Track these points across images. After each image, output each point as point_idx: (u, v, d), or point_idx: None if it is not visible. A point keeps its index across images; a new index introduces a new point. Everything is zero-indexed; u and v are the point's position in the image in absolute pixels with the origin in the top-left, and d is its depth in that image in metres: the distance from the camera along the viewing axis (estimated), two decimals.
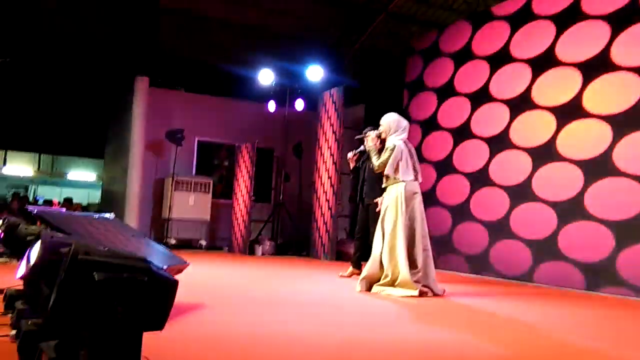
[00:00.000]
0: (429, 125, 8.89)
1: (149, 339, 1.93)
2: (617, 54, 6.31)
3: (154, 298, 1.24)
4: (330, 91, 9.91)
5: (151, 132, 11.16)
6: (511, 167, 7.40)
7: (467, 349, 2.96)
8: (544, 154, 6.95)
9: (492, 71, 7.90)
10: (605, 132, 6.29)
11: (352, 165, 6.65)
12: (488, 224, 7.63)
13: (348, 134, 9.56)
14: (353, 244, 9.01)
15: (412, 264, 5.07)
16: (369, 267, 5.27)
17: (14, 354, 1.98)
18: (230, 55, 11.26)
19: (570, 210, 6.54)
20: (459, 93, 8.43)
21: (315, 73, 10.37)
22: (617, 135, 6.17)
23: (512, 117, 7.47)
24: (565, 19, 6.93)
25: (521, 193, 7.18)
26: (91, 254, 1.20)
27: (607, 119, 6.30)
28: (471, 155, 8.07)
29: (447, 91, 8.65)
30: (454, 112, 8.49)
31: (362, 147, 6.14)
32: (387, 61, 10.80)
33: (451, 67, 8.64)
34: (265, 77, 10.83)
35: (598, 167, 6.31)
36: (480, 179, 7.84)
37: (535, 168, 7.06)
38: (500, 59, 7.79)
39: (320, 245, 9.61)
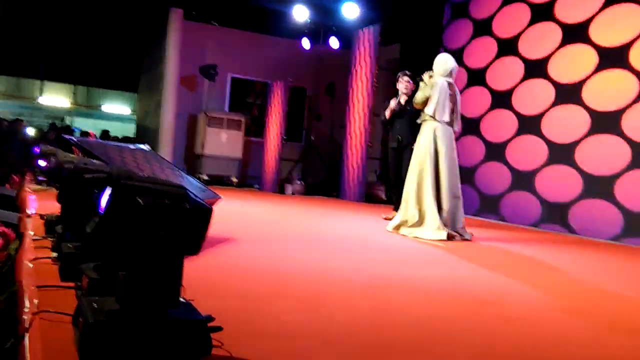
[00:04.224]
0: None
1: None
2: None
3: (192, 224, 1.27)
4: (365, 29, 9.68)
5: (184, 67, 11.14)
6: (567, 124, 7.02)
7: (495, 286, 2.98)
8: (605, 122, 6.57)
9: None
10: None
11: (388, 115, 6.53)
12: (517, 172, 7.51)
13: (382, 74, 9.40)
14: (383, 186, 9.01)
15: (439, 206, 5.08)
16: (401, 209, 5.32)
17: (56, 275, 2.07)
18: None
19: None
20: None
21: (350, 10, 10.11)
22: None
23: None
24: None
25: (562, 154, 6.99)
26: (133, 180, 1.22)
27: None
28: (535, 97, 7.54)
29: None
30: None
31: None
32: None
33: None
34: (300, 13, 10.61)
35: None
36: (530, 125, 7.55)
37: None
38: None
39: (350, 186, 9.65)
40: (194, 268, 2.60)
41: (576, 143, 6.80)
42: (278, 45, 11.96)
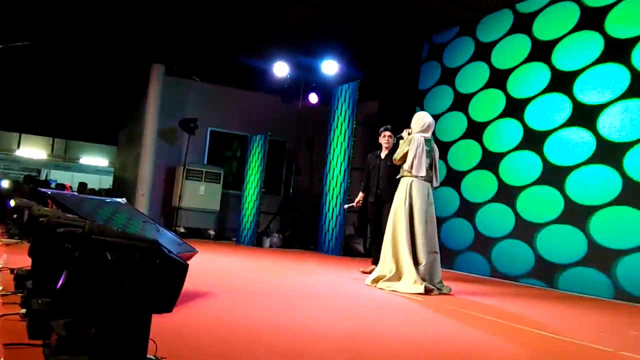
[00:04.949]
0: None
1: (157, 321, 1.95)
2: None
3: (164, 280, 1.25)
4: (345, 86, 9.89)
5: (164, 120, 11.22)
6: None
7: (473, 345, 2.95)
8: None
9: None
10: None
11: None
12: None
13: (360, 129, 9.55)
14: (361, 239, 9.05)
15: (415, 260, 5.08)
16: (380, 263, 5.31)
17: (24, 332, 2.00)
18: (246, 47, 11.28)
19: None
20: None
21: (330, 67, 10.37)
22: None
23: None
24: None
25: None
26: (105, 234, 1.21)
27: None
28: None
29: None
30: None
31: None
32: (403, 57, 10.75)
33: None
34: (280, 69, 10.84)
35: None
36: None
37: None
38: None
39: (328, 239, 9.62)
40: (167, 323, 2.55)
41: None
42: (258, 100, 12.14)
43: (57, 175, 22.34)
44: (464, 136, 8.41)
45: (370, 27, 10.76)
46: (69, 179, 20.83)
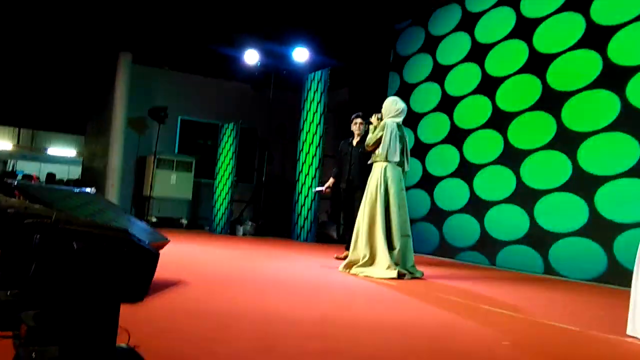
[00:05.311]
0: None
1: (127, 310, 1.94)
2: None
3: (134, 269, 1.25)
4: (315, 73, 9.88)
5: (134, 109, 11.06)
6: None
7: (443, 327, 3.02)
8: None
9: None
10: None
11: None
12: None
13: (331, 116, 9.56)
14: (335, 226, 9.10)
15: (389, 245, 5.14)
16: (351, 249, 5.36)
17: None
18: (216, 34, 11.13)
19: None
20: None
21: (300, 55, 10.33)
22: None
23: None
24: None
25: None
26: (72, 224, 1.20)
27: None
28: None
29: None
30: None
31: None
32: (374, 44, 10.76)
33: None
34: (251, 57, 10.76)
35: None
36: None
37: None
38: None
39: (301, 226, 9.65)
40: (140, 312, 2.55)
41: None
42: (228, 87, 12.05)
43: (25, 166, 21.87)
44: (436, 109, 8.56)
45: (341, 14, 10.72)
46: (36, 169, 20.41)
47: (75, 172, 18.37)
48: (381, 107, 5.59)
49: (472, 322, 3.28)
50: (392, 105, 5.49)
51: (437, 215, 8.22)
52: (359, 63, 10.98)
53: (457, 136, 8.09)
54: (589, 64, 6.43)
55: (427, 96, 8.73)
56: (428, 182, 8.47)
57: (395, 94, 8.47)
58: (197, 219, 11.77)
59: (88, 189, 3.78)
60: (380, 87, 9.53)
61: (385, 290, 4.37)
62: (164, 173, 10.83)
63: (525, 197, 6.91)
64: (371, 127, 5.53)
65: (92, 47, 11.87)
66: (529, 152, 6.94)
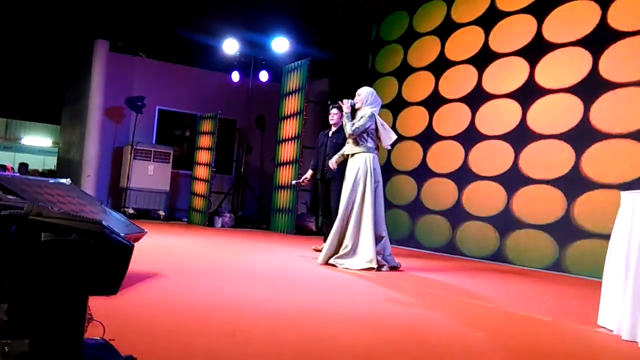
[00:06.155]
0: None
1: (103, 304, 1.93)
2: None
3: (107, 262, 1.23)
4: (295, 63, 9.84)
5: (110, 99, 10.91)
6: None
7: (420, 314, 3.05)
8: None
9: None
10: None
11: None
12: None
13: (312, 107, 9.55)
14: (313, 218, 9.10)
15: (377, 236, 5.15)
16: (330, 240, 5.29)
17: None
18: (195, 23, 11.02)
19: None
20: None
21: (280, 45, 10.28)
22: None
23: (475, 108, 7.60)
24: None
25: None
26: (43, 216, 1.18)
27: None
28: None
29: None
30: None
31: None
32: (354, 35, 10.76)
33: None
34: (230, 46, 10.67)
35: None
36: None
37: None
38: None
39: (280, 218, 9.64)
40: (116, 305, 2.53)
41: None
42: (207, 78, 11.94)
43: None
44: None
45: (321, 3, 10.70)
46: (10, 159, 20.01)
47: (51, 162, 18.08)
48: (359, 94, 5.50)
49: (446, 314, 3.32)
50: (371, 96, 5.47)
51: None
52: (339, 53, 10.96)
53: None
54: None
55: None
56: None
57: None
58: (175, 211, 11.69)
59: (63, 180, 3.73)
60: (360, 76, 9.52)
61: (362, 282, 4.39)
62: (142, 164, 10.71)
63: None
64: (361, 115, 5.37)
65: (68, 34, 11.67)
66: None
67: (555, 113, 6.60)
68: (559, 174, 6.42)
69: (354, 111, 5.52)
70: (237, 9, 10.87)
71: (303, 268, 5.07)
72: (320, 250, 5.89)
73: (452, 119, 7.92)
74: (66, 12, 10.88)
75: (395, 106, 8.89)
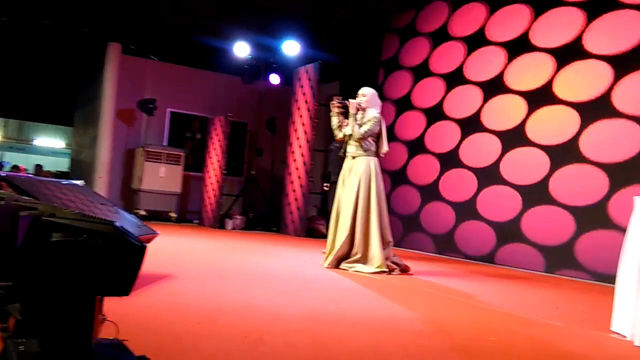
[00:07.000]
0: (403, 104, 8.96)
1: (117, 304, 1.94)
2: (590, 42, 6.42)
3: (119, 263, 1.24)
4: (306, 67, 9.85)
5: (122, 101, 10.97)
6: (481, 149, 7.52)
7: (432, 318, 3.04)
8: (514, 138, 7.08)
9: (468, 53, 7.96)
10: (573, 118, 6.42)
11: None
12: (455, 205, 7.75)
13: (322, 110, 9.55)
14: (324, 220, 9.07)
15: (384, 239, 5.14)
16: (339, 243, 5.20)
17: None
18: (206, 26, 11.07)
19: (535, 194, 6.69)
20: (433, 73, 8.49)
21: (291, 48, 10.30)
22: (585, 122, 6.31)
23: (485, 100, 7.58)
24: (542, 4, 7.01)
25: (489, 175, 7.31)
26: (57, 216, 1.19)
27: (576, 106, 6.43)
28: (443, 136, 8.16)
29: (422, 71, 8.72)
30: (428, 92, 8.56)
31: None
32: (364, 38, 10.75)
33: (427, 47, 8.70)
34: (241, 49, 10.71)
35: (564, 153, 6.45)
36: (450, 160, 7.94)
37: (504, 151, 7.19)
38: (476, 41, 7.86)
39: (290, 221, 9.65)
40: (129, 306, 2.54)
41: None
42: (218, 80, 11.98)
43: (12, 158, 21.66)
44: None
45: (332, 7, 10.70)
46: (23, 161, 20.19)
47: (63, 163, 18.21)
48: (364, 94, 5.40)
49: (458, 318, 3.30)
50: (376, 97, 5.46)
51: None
52: (350, 57, 10.95)
53: None
54: None
55: None
56: None
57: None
58: (186, 213, 11.72)
59: (76, 181, 3.75)
60: (371, 80, 9.50)
61: (373, 285, 4.39)
62: (153, 166, 10.76)
63: None
64: (370, 117, 5.25)
65: (81, 38, 11.75)
66: None
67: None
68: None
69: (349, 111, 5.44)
70: (248, 12, 10.90)
71: (313, 270, 5.06)
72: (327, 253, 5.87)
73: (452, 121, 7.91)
74: (79, 16, 10.97)
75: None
